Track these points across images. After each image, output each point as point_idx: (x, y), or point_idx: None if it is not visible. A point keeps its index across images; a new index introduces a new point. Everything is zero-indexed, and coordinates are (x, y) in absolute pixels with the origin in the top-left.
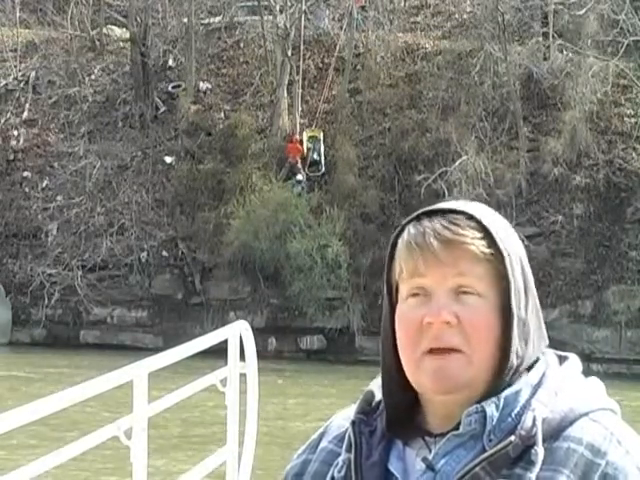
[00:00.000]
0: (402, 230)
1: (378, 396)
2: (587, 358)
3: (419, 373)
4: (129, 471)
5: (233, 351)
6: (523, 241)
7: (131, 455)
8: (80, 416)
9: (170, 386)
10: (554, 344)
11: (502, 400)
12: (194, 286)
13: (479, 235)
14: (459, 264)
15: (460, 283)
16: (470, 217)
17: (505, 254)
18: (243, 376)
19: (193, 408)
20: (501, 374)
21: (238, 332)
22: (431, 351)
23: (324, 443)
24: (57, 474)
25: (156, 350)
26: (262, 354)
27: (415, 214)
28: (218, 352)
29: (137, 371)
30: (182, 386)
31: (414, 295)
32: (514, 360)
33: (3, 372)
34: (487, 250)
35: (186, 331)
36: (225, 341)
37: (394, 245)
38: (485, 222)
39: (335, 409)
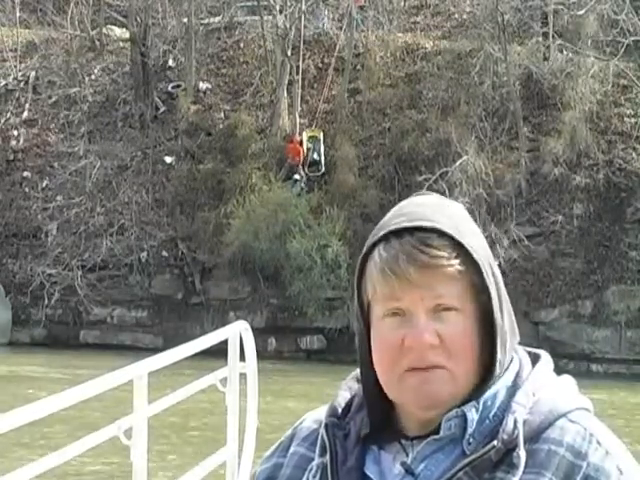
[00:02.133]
0: (370, 250)
1: (348, 398)
2: (587, 358)
3: (401, 391)
4: (129, 471)
5: (233, 351)
6: (523, 241)
7: (131, 455)
8: (80, 416)
9: (170, 386)
10: (554, 344)
11: (481, 403)
12: (194, 286)
13: (454, 254)
14: (436, 286)
15: (438, 302)
16: (441, 234)
17: (482, 268)
18: (243, 376)
19: (193, 408)
20: (483, 385)
21: (238, 332)
22: (413, 369)
23: (295, 447)
24: (57, 474)
25: (156, 350)
26: (262, 354)
27: (382, 233)
28: (218, 352)
29: (137, 371)
30: (182, 386)
31: (392, 315)
32: (497, 370)
33: (3, 372)
34: (463, 268)
35: (186, 331)
36: (225, 341)
37: (363, 262)
38: (458, 237)
39: None
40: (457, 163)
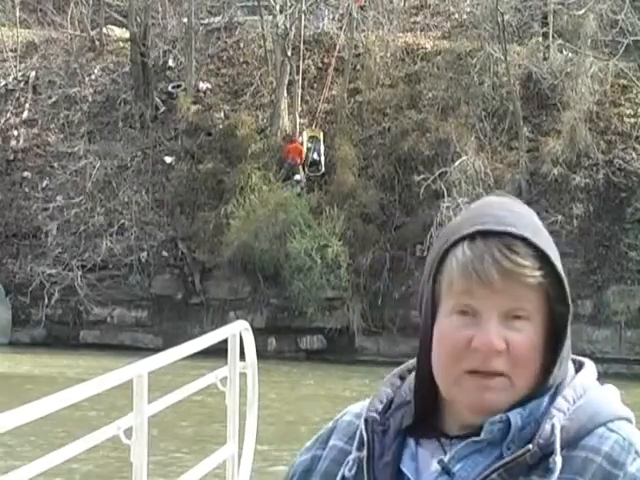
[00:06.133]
0: (453, 245)
1: (390, 395)
2: (587, 358)
3: (457, 390)
4: (129, 470)
5: (233, 350)
6: None
7: (131, 454)
8: (80, 416)
9: (170, 385)
10: None
11: (527, 410)
12: (194, 286)
13: (538, 265)
14: (515, 294)
15: (512, 307)
16: (528, 243)
17: (564, 281)
18: (243, 375)
19: (193, 407)
20: (532, 395)
21: (238, 331)
22: (474, 372)
23: (334, 440)
24: (57, 474)
25: (156, 350)
26: (262, 354)
27: (469, 231)
28: (218, 352)
29: (137, 370)
30: (182, 385)
31: (461, 312)
32: (550, 382)
33: (3, 372)
34: (544, 280)
35: (186, 331)
36: (225, 341)
37: (443, 256)
38: (543, 247)
39: (335, 409)
40: (456, 163)
